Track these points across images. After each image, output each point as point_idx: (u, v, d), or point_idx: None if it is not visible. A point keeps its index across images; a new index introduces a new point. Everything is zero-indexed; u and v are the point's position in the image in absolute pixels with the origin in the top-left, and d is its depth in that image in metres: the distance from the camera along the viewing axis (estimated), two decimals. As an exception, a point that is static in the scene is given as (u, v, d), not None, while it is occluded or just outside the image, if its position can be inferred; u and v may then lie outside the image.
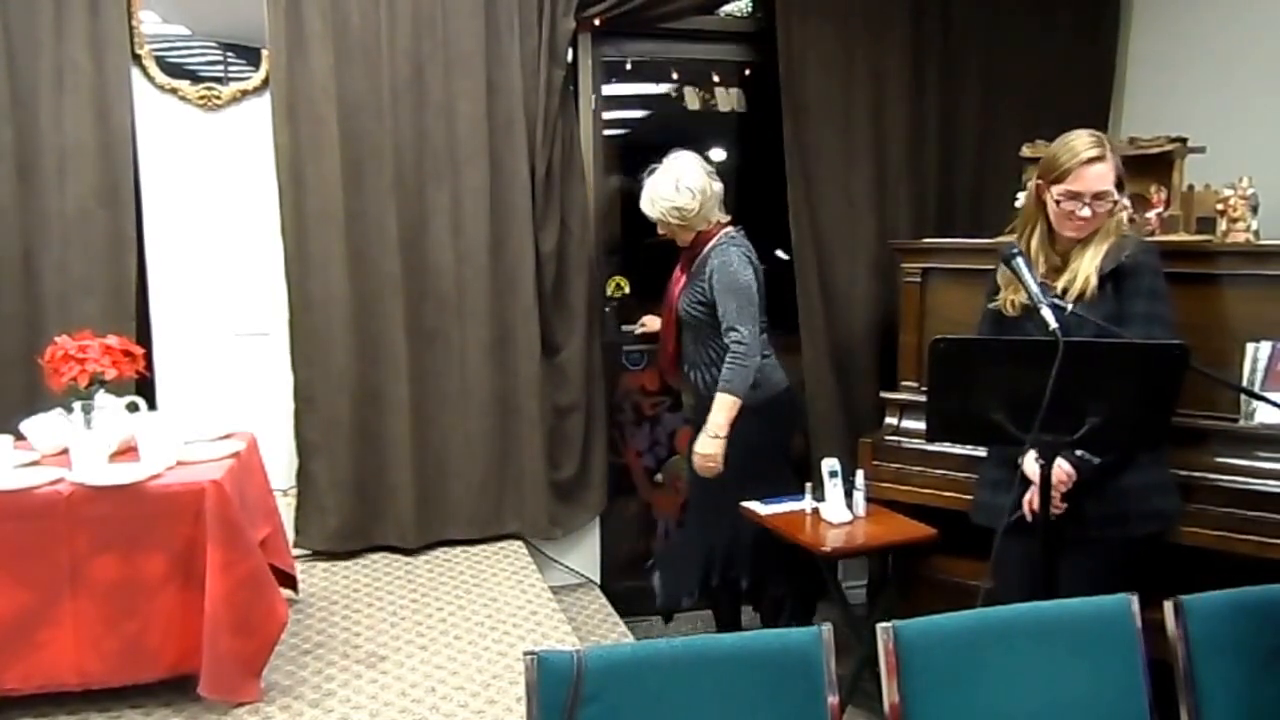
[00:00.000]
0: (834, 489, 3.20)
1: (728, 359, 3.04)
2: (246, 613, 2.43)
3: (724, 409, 3.04)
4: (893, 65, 3.77)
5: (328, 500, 3.43)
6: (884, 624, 1.65)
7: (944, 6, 3.82)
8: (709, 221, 3.13)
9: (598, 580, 3.89)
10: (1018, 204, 2.87)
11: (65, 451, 2.49)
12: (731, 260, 3.07)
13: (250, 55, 3.33)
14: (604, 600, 3.77)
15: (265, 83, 3.33)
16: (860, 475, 3.25)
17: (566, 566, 3.84)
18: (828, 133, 3.75)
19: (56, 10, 3.08)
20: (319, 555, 3.44)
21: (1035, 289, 2.21)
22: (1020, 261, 2.26)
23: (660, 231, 3.18)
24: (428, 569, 3.41)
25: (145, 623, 2.38)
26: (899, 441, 3.36)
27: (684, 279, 3.20)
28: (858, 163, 3.79)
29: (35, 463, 2.53)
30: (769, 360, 3.19)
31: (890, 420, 3.43)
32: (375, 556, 3.48)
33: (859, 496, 3.21)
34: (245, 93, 3.34)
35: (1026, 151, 3.11)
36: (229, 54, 3.33)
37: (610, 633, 3.54)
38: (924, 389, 3.17)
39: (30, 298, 3.15)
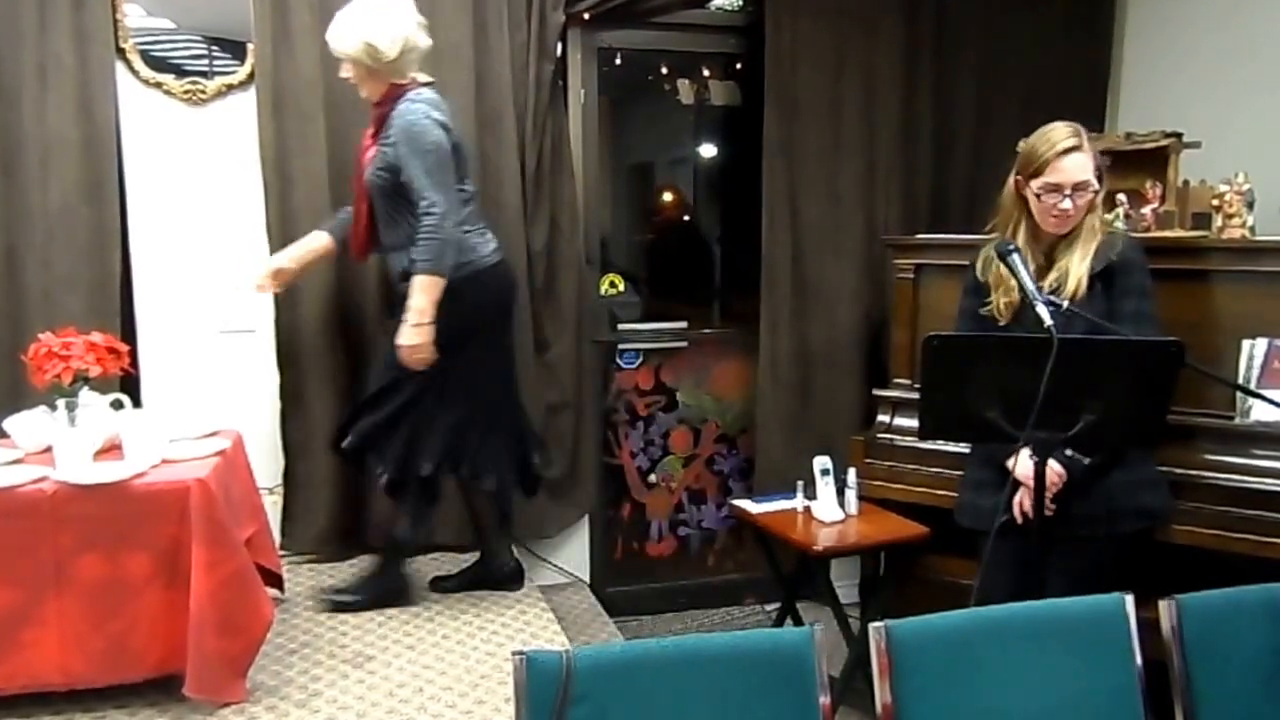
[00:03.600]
0: (826, 487, 3.20)
1: (420, 232, 2.68)
2: (232, 612, 2.40)
3: (423, 290, 2.70)
4: (884, 60, 3.75)
5: (314, 501, 3.39)
6: (876, 623, 1.63)
7: (938, 0, 3.80)
8: (404, 76, 2.80)
9: (587, 580, 3.87)
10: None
11: (49, 450, 2.46)
12: (417, 117, 2.72)
13: (236, 49, 3.29)
14: (594, 600, 3.75)
15: (251, 77, 3.29)
16: (852, 473, 3.24)
17: (556, 566, 3.82)
18: (815, 128, 3.73)
19: (40, 4, 3.04)
20: (305, 555, 3.41)
21: (1031, 286, 2.20)
22: (1016, 258, 2.25)
23: (343, 74, 2.84)
24: (416, 569, 3.37)
25: (130, 622, 2.36)
26: (891, 439, 3.34)
27: (374, 147, 2.84)
28: (846, 158, 3.77)
29: (19, 461, 2.50)
30: (474, 232, 2.89)
31: (882, 418, 3.41)
32: (363, 558, 3.44)
33: (851, 495, 3.21)
34: (231, 87, 3.30)
35: (1022, 147, 3.09)
36: (214, 48, 3.28)
37: (600, 633, 3.52)
38: (917, 386, 3.16)
39: (13, 294, 3.10)
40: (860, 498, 3.23)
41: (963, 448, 2.90)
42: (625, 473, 3.99)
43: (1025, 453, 2.27)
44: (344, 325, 3.36)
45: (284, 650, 2.74)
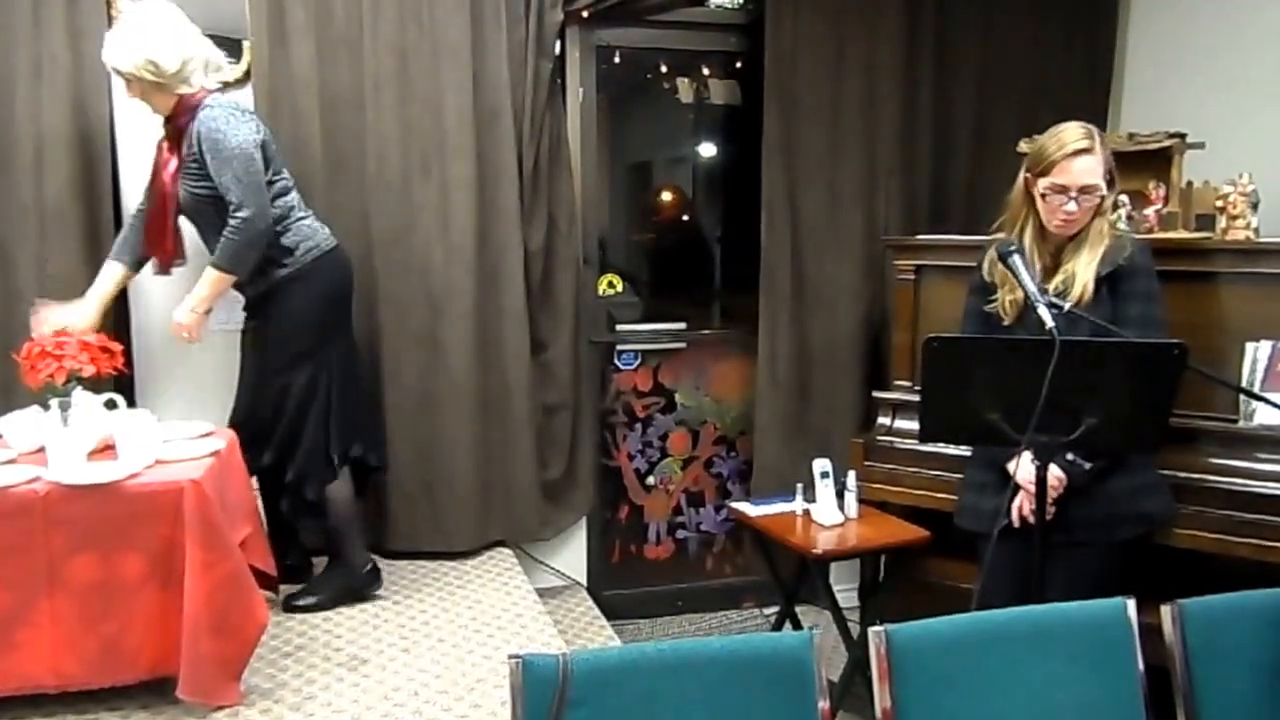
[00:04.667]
0: (825, 490, 3.18)
1: (226, 233, 2.74)
2: (226, 614, 2.38)
3: (210, 283, 2.80)
4: (885, 58, 3.73)
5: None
6: (876, 628, 1.62)
7: (939, -3, 3.79)
8: (191, 86, 2.77)
9: (584, 583, 3.84)
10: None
11: (42, 450, 2.44)
12: (216, 124, 2.73)
13: (232, 47, 3.26)
14: (591, 603, 3.73)
15: (247, 75, 3.27)
16: (852, 476, 3.23)
17: (553, 569, 3.80)
18: (814, 126, 3.71)
19: (34, 1, 3.03)
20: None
21: (1032, 287, 2.18)
22: (1016, 259, 2.23)
23: (130, 94, 2.80)
24: (411, 571, 3.36)
25: (123, 624, 2.33)
26: (891, 442, 3.32)
27: (174, 159, 2.84)
28: (845, 157, 3.75)
29: (11, 461, 2.48)
30: (307, 218, 2.94)
31: (882, 420, 3.39)
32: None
33: (850, 498, 3.20)
34: (226, 85, 3.27)
35: (1024, 146, 3.07)
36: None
37: (597, 636, 3.50)
38: (917, 388, 3.14)
39: (6, 293, 3.09)
40: (860, 500, 3.21)
41: (963, 450, 2.88)
42: (623, 475, 3.97)
43: (1026, 456, 2.26)
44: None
45: (278, 653, 2.72)
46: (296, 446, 2.93)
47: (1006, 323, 2.46)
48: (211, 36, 2.94)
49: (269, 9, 3.18)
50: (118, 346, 2.76)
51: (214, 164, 2.75)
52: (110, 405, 2.62)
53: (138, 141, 3.23)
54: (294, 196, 2.95)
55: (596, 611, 3.66)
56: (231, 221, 2.74)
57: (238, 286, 2.92)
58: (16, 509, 2.27)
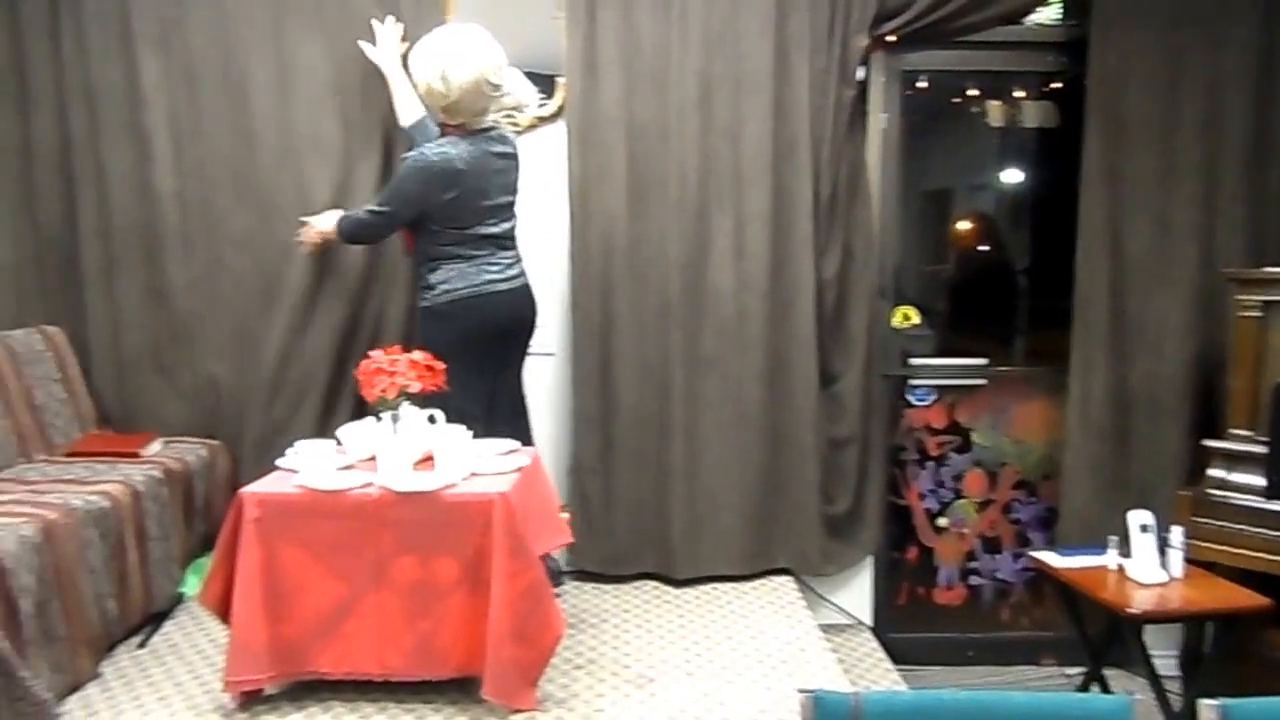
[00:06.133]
0: (1144, 544, 2.93)
1: (366, 207, 3.08)
2: (526, 622, 2.49)
3: (325, 222, 3.16)
4: (1231, 74, 3.38)
5: (600, 523, 3.49)
6: (1210, 701, 1.45)
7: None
8: (452, 119, 3.00)
9: (869, 623, 3.73)
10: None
11: (373, 458, 2.67)
12: (423, 153, 2.97)
13: (545, 83, 3.44)
14: (875, 644, 3.60)
15: (559, 111, 3.45)
16: (1177, 531, 2.96)
17: (837, 606, 3.71)
18: (1143, 150, 3.43)
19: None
20: (587, 575, 3.50)
21: None
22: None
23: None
24: (695, 597, 3.40)
25: (437, 623, 2.50)
26: (1226, 496, 2.99)
27: None
28: (1178, 185, 3.44)
29: (349, 466, 2.73)
30: (462, 266, 3.04)
31: (1214, 472, 3.06)
32: (644, 583, 3.50)
33: (1175, 555, 2.93)
34: (542, 120, 3.47)
35: None
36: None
37: (882, 679, 3.37)
38: (1262, 438, 2.81)
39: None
40: (1186, 559, 2.93)
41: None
42: (913, 514, 3.82)
43: None
44: (637, 351, 3.44)
45: (570, 664, 2.82)
46: None
47: None
48: (528, 74, 3.13)
49: (583, 44, 3.35)
50: (440, 365, 2.97)
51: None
52: (431, 420, 2.83)
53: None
54: (468, 249, 3.04)
55: (882, 654, 3.54)
56: (371, 205, 3.06)
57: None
58: (353, 510, 2.50)
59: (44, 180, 3.42)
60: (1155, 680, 2.84)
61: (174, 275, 3.43)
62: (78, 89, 3.36)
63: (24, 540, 2.45)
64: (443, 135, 3.05)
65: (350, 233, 3.13)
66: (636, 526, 3.49)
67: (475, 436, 2.83)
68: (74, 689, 2.59)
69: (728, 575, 3.50)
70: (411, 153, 3.03)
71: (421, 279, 3.09)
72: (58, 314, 3.47)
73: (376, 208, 3.05)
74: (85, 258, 3.42)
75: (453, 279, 3.05)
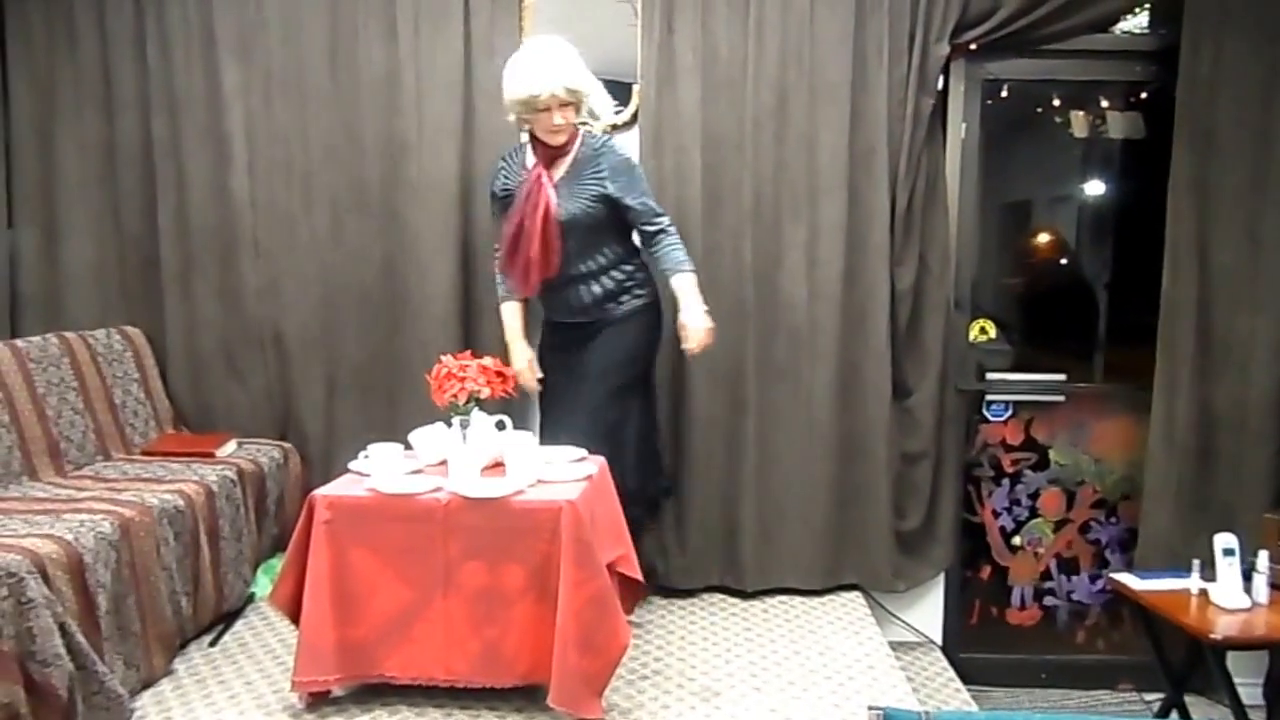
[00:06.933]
0: (1228, 569, 2.87)
1: (667, 242, 2.99)
2: (592, 631, 2.47)
3: (694, 286, 3.00)
4: (1327, 85, 3.24)
5: (671, 534, 3.47)
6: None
7: None
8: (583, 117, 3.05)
9: (939, 642, 3.64)
10: None
11: (443, 462, 2.68)
12: (625, 150, 3.05)
13: (620, 91, 3.44)
14: (945, 663, 3.52)
15: (634, 118, 3.44)
16: (1264, 556, 2.89)
17: (906, 623, 3.63)
18: (1235, 162, 3.31)
19: (466, 58, 3.38)
20: (655, 587, 3.46)
21: None
22: None
23: (560, 120, 2.92)
24: (762, 610, 3.36)
25: (503, 630, 2.50)
26: (1316, 522, 2.87)
27: (553, 181, 2.98)
28: (1273, 197, 3.30)
29: (419, 471, 2.74)
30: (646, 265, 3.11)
31: (1307, 496, 2.94)
32: (711, 596, 3.47)
33: (1260, 580, 2.87)
34: (616, 127, 3.46)
35: None
36: (603, 91, 3.48)
37: (952, 699, 3.29)
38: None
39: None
40: (1272, 585, 2.86)
41: None
42: (987, 532, 3.73)
43: None
44: (710, 360, 3.38)
45: (636, 675, 2.80)
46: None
47: None
48: (605, 81, 3.13)
49: (659, 52, 3.34)
50: (510, 371, 2.97)
51: (628, 184, 3.01)
52: (500, 426, 2.83)
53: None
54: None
55: (951, 673, 3.45)
56: (668, 230, 3.02)
57: (580, 310, 3.08)
58: (423, 514, 2.51)
59: (127, 183, 3.51)
60: (1239, 708, 2.78)
61: (248, 278, 3.49)
62: (161, 94, 3.44)
63: (102, 537, 2.49)
64: (571, 142, 3.05)
65: (690, 259, 3.05)
66: (706, 538, 3.46)
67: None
68: (147, 685, 2.63)
69: (796, 589, 3.46)
70: (618, 162, 3.02)
71: (627, 278, 3.08)
72: (137, 315, 3.56)
73: (666, 221, 3.04)
74: (164, 260, 3.50)
75: (650, 278, 3.12)
